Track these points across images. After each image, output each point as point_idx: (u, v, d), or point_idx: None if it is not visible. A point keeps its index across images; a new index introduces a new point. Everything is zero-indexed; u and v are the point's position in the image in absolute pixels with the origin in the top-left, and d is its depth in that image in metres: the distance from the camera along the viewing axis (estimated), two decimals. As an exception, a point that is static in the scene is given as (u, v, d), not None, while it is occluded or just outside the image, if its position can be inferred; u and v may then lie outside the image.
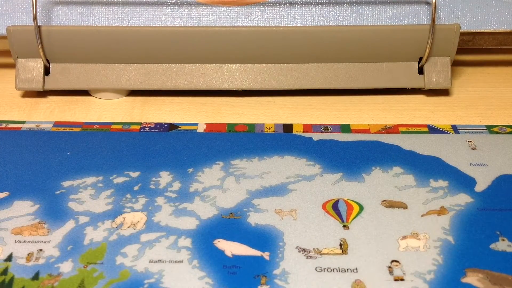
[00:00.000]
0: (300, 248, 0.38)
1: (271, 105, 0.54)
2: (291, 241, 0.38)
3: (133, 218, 0.41)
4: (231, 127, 0.51)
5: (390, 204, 0.42)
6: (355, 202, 0.42)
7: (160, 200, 0.42)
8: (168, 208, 0.42)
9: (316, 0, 0.55)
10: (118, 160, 0.46)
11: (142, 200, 0.42)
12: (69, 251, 0.38)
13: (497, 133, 0.50)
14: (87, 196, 0.43)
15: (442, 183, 0.44)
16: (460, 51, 0.55)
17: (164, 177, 0.44)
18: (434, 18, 0.51)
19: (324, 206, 0.42)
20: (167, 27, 0.54)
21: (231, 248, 0.38)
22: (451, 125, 0.51)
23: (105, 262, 0.37)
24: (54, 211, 0.41)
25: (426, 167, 0.45)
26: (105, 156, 0.47)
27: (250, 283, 0.35)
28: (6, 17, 0.55)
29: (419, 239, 0.39)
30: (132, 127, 0.51)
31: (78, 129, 0.50)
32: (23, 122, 0.51)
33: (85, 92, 0.55)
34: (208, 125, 0.51)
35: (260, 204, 0.42)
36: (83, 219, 0.40)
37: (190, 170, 0.45)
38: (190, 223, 0.40)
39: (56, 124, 0.51)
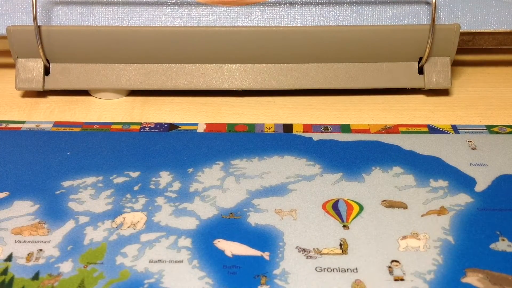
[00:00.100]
0: (300, 248, 0.38)
1: (271, 105, 0.54)
2: (291, 241, 0.38)
3: (133, 218, 0.41)
4: (231, 127, 0.51)
5: (390, 204, 0.42)
6: (355, 202, 0.42)
7: (160, 200, 0.42)
8: (168, 208, 0.42)
9: (316, 0, 0.55)
10: (118, 160, 0.46)
11: (142, 200, 0.42)
12: (69, 251, 0.38)
13: (497, 133, 0.50)
14: (87, 196, 0.43)
15: (442, 183, 0.44)
16: (460, 51, 0.55)
17: (164, 177, 0.44)
18: (434, 18, 0.51)
19: (324, 206, 0.42)
20: (167, 27, 0.54)
21: (231, 248, 0.38)
22: (451, 125, 0.51)
23: (105, 262, 0.37)
24: (54, 211, 0.41)
25: (426, 167, 0.45)
26: (105, 156, 0.47)
27: (250, 283, 0.35)
28: (6, 17, 0.55)
29: (419, 239, 0.39)
30: (132, 127, 0.51)
31: (78, 129, 0.50)
32: (23, 122, 0.51)
33: (85, 92, 0.55)
34: (208, 125, 0.51)
35: (260, 204, 0.42)
36: (83, 219, 0.40)
37: (190, 170, 0.45)
38: (190, 223, 0.40)
39: (56, 124, 0.51)
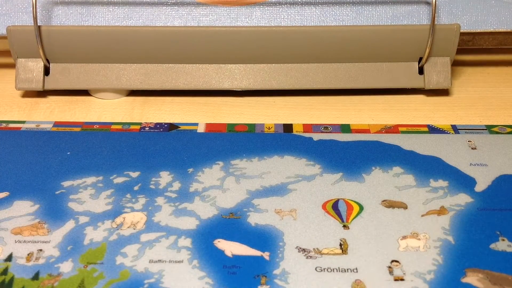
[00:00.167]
0: (300, 248, 0.38)
1: (271, 105, 0.54)
2: (291, 241, 0.38)
3: (133, 218, 0.41)
4: (231, 127, 0.51)
5: (390, 204, 0.42)
6: (355, 202, 0.42)
7: (160, 200, 0.42)
8: (168, 208, 0.42)
9: (316, 0, 0.55)
10: (118, 160, 0.46)
11: (142, 200, 0.42)
12: (69, 251, 0.38)
13: (497, 133, 0.50)
14: (87, 196, 0.43)
15: (442, 183, 0.44)
16: (460, 51, 0.55)
17: (164, 177, 0.44)
18: (434, 18, 0.51)
19: (324, 206, 0.42)
20: (167, 27, 0.54)
21: (231, 248, 0.38)
22: (451, 125, 0.51)
23: (105, 262, 0.37)
24: (54, 211, 0.41)
25: (426, 167, 0.45)
26: (105, 156, 0.47)
27: (250, 283, 0.35)
28: (6, 17, 0.55)
29: (419, 239, 0.39)
30: (132, 127, 0.51)
31: (78, 129, 0.50)
32: (23, 122, 0.51)
33: (85, 92, 0.55)
34: (208, 125, 0.51)
35: (260, 204, 0.42)
36: (83, 219, 0.40)
37: (190, 170, 0.45)
38: (190, 223, 0.40)
39: (56, 124, 0.51)
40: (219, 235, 0.39)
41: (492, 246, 0.38)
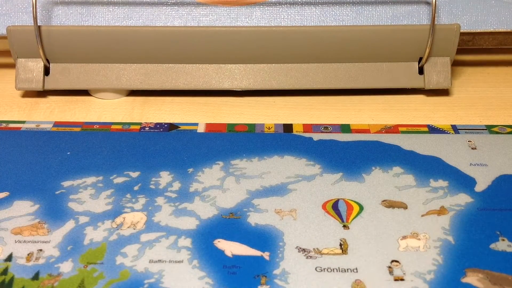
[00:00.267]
0: (300, 248, 0.38)
1: (271, 105, 0.54)
2: (291, 241, 0.38)
3: (133, 218, 0.41)
4: (231, 127, 0.51)
5: (390, 204, 0.42)
6: (355, 202, 0.42)
7: (160, 200, 0.42)
8: (168, 208, 0.42)
9: (316, 0, 0.55)
10: (118, 160, 0.46)
11: (142, 200, 0.42)
12: (69, 251, 0.38)
13: (497, 133, 0.50)
14: (87, 196, 0.43)
15: (442, 183, 0.44)
16: (460, 51, 0.55)
17: (164, 177, 0.44)
18: (434, 18, 0.51)
19: (324, 206, 0.42)
20: (167, 27, 0.54)
21: (231, 248, 0.38)
22: (451, 125, 0.51)
23: (105, 262, 0.37)
24: (54, 211, 0.41)
25: (426, 167, 0.45)
26: (105, 156, 0.47)
27: (250, 283, 0.35)
28: (6, 17, 0.55)
29: (419, 239, 0.39)
30: (132, 127, 0.51)
31: (78, 129, 0.50)
32: (23, 122, 0.51)
33: (85, 92, 0.55)
34: (208, 125, 0.51)
35: (260, 204, 0.42)
36: (83, 219, 0.40)
37: (190, 170, 0.45)
38: (190, 223, 0.40)
39: (56, 124, 0.51)
40: (219, 235, 0.39)
41: (492, 246, 0.38)
